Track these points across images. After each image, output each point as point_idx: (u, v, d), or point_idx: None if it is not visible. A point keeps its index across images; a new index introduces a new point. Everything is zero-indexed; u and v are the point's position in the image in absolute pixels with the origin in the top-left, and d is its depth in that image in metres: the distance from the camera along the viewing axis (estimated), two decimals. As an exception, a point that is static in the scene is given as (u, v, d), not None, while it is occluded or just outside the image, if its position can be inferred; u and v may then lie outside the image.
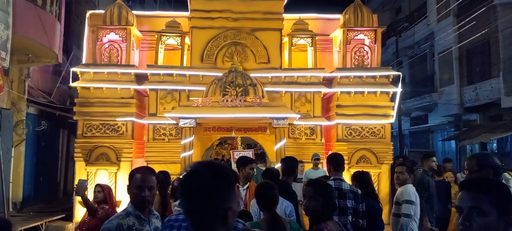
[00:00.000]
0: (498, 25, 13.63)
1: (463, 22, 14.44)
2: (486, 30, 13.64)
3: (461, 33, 14.96)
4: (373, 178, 7.22)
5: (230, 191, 1.55)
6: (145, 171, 2.86)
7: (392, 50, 19.25)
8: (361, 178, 4.99)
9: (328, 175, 4.68)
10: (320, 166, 8.00)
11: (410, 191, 4.86)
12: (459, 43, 15.47)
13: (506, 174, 6.15)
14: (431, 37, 17.68)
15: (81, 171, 8.79)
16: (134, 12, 9.99)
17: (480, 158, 3.12)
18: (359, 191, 4.27)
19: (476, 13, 13.50)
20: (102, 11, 9.76)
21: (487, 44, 14.53)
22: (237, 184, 4.68)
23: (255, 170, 5.21)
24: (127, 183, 2.90)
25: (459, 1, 14.58)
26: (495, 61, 14.08)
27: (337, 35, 9.76)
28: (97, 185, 4.98)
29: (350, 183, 4.78)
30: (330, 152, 9.34)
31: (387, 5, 22.08)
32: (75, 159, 8.92)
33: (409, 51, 19.71)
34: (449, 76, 16.71)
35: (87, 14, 10.03)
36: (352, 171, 8.15)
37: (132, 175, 2.82)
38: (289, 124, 8.63)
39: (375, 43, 9.53)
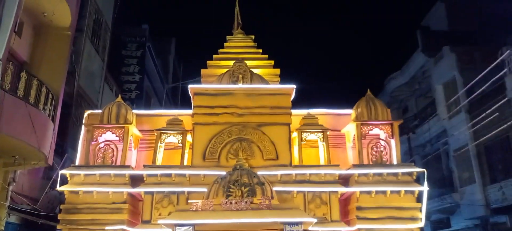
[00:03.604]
0: (516, 119, 12.99)
1: (478, 119, 13.86)
2: (504, 126, 12.97)
3: (476, 129, 14.27)
4: None
5: None
6: None
7: (403, 149, 18.42)
8: None
9: None
10: None
11: None
12: (475, 140, 14.69)
13: None
14: (444, 135, 17.00)
15: None
16: (135, 111, 9.53)
17: None
18: None
19: (490, 110, 12.98)
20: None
21: (506, 140, 13.75)
22: None
23: None
24: None
25: (470, 98, 14.17)
26: (519, 156, 13.17)
27: (350, 130, 9.08)
28: None
29: None
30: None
31: (393, 104, 21.90)
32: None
33: (421, 150, 18.89)
34: (469, 175, 15.62)
35: (85, 114, 9.55)
36: None
37: None
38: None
39: (392, 137, 8.80)
